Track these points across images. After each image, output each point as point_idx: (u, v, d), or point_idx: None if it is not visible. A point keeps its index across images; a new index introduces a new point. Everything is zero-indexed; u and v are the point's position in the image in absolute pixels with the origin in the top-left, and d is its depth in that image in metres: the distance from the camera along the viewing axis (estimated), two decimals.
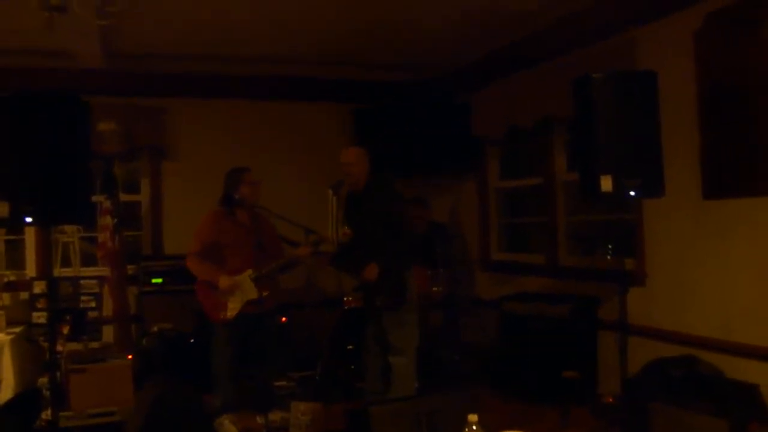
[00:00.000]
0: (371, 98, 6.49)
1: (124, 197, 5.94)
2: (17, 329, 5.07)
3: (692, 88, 4.23)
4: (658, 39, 4.48)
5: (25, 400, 4.75)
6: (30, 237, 5.75)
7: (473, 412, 2.71)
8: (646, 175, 3.75)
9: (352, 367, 5.37)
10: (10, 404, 4.72)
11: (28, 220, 3.66)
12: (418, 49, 5.81)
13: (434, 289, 5.75)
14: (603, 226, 5.26)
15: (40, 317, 5.13)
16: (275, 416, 4.52)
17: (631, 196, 3.72)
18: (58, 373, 4.68)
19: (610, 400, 4.47)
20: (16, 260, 5.87)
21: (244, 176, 4.60)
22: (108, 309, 5.53)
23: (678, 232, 4.42)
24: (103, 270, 5.59)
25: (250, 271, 4.52)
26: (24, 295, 5.51)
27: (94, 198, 5.57)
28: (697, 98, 4.21)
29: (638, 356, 4.29)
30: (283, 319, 5.83)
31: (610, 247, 4.92)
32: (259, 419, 4.51)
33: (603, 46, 4.88)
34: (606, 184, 3.70)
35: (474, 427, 2.33)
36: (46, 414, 4.31)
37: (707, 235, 4.21)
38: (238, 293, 4.50)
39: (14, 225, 4.18)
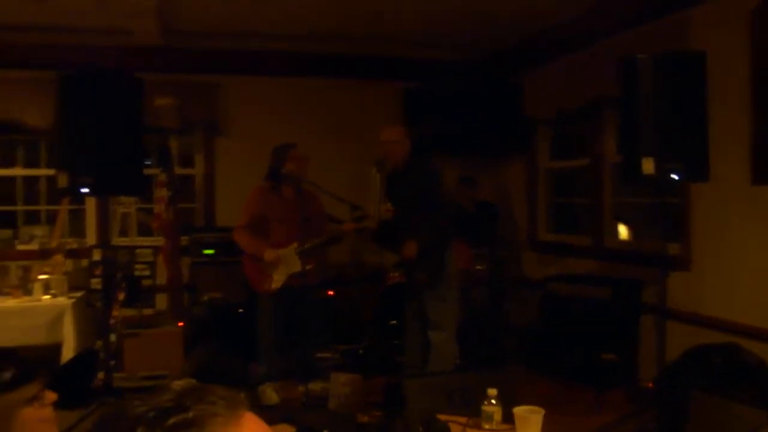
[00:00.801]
0: (421, 77, 6.49)
1: (179, 171, 6.12)
2: (78, 294, 5.32)
3: (746, 70, 4.11)
4: (714, 18, 4.36)
5: (84, 360, 5.00)
6: (90, 207, 6.02)
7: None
8: (690, 159, 3.70)
9: (395, 341, 5.46)
10: (70, 364, 4.97)
11: (85, 190, 3.88)
12: (469, 28, 5.78)
13: (478, 267, 5.78)
14: (651, 209, 5.18)
15: (98, 283, 5.36)
16: (316, 386, 4.66)
17: (673, 179, 3.67)
18: (114, 337, 4.94)
19: (650, 384, 4.44)
20: (78, 229, 6.17)
21: (290, 152, 4.70)
22: (162, 278, 5.73)
23: (725, 218, 4.33)
24: (158, 240, 5.80)
25: (295, 245, 4.64)
26: (84, 262, 5.78)
27: (151, 171, 5.82)
28: (750, 80, 4.10)
29: (681, 342, 4.23)
30: (330, 292, 5.97)
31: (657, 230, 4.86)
32: (300, 388, 4.66)
33: (657, 26, 4.77)
34: (648, 166, 3.67)
35: (493, 401, 2.40)
36: (102, 374, 4.54)
37: (755, 221, 4.12)
38: (282, 266, 4.63)
39: (72, 194, 4.39)
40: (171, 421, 0.79)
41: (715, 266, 4.42)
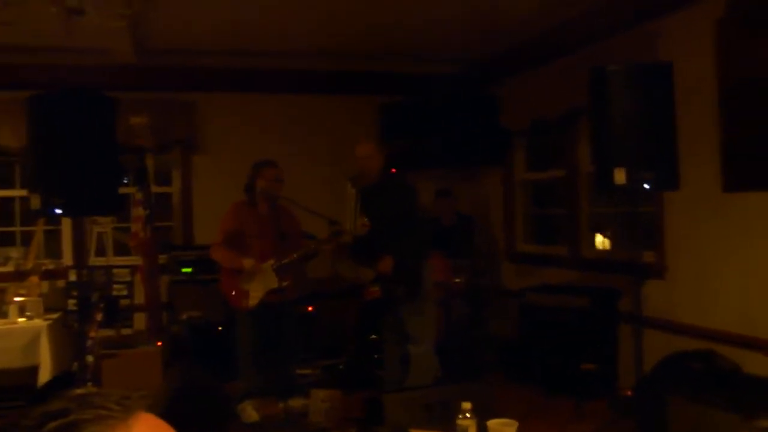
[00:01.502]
0: (398, 91, 6.53)
1: (155, 189, 6.09)
2: (54, 315, 5.26)
3: (713, 79, 4.18)
4: (680, 29, 4.43)
5: (62, 382, 4.94)
6: (66, 228, 5.98)
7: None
8: (661, 168, 3.75)
9: (375, 356, 5.45)
10: (47, 386, 4.91)
11: (58, 211, 3.85)
12: (446, 41, 5.83)
13: (456, 279, 5.80)
14: (626, 219, 5.23)
15: (75, 304, 5.32)
16: (296, 403, 4.64)
17: (645, 188, 3.72)
18: (91, 358, 4.89)
19: (629, 393, 4.46)
20: (53, 250, 6.11)
21: (262, 171, 4.71)
22: (140, 297, 5.70)
23: (698, 225, 4.38)
24: (135, 259, 5.76)
25: (271, 261, 4.64)
26: (61, 283, 5.73)
27: (127, 190, 5.79)
28: (718, 89, 4.16)
29: (658, 350, 4.28)
30: (310, 308, 5.95)
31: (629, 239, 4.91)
32: (281, 405, 4.64)
33: (626, 38, 4.85)
34: (620, 176, 3.71)
35: (467, 414, 2.40)
36: None
37: (727, 228, 4.17)
38: (259, 282, 4.62)
39: (45, 216, 4.37)
40: (49, 426, 0.79)
41: (690, 273, 4.47)
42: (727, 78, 4.10)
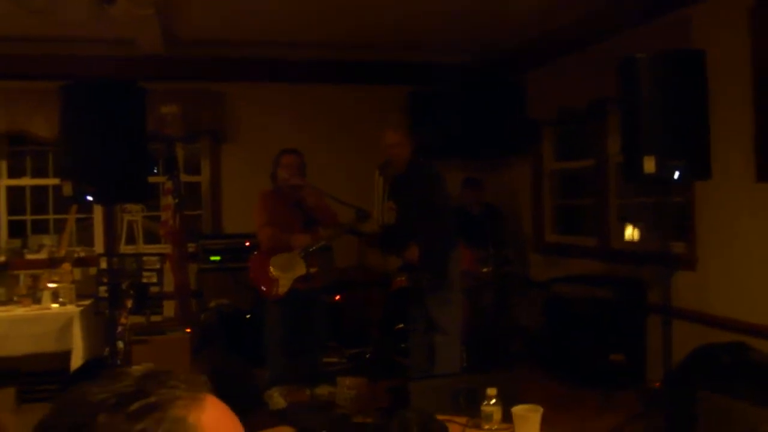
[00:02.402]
0: (425, 80, 6.51)
1: (185, 178, 6.15)
2: (86, 302, 5.36)
3: (747, 67, 4.10)
4: (713, 16, 4.35)
5: (93, 367, 5.03)
6: (98, 216, 6.08)
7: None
8: (692, 157, 3.68)
9: (402, 345, 5.47)
10: (79, 371, 5.00)
11: (89, 198, 3.91)
12: (472, 30, 5.79)
13: (483, 269, 5.78)
14: (656, 209, 5.16)
15: (106, 291, 5.40)
16: (322, 390, 4.67)
17: (676, 178, 3.66)
18: (122, 344, 4.97)
19: (657, 385, 4.42)
20: (85, 237, 6.22)
21: (281, 158, 4.74)
22: (169, 285, 5.76)
23: (730, 216, 4.31)
24: (165, 247, 5.84)
25: (299, 248, 4.66)
26: (92, 270, 5.83)
27: (157, 179, 5.86)
28: (752, 77, 4.09)
29: (687, 342, 4.22)
30: (338, 297, 5.99)
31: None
32: (307, 392, 4.68)
33: (658, 25, 4.76)
34: (649, 165, 3.65)
35: (492, 401, 2.40)
36: None
37: (760, 218, 4.09)
38: (288, 270, 4.66)
39: (77, 203, 4.43)
40: (133, 406, 0.79)
41: (721, 265, 4.40)
42: (761, 66, 4.02)
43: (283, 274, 4.69)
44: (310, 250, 4.67)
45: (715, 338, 4.21)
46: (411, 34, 5.90)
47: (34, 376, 5.20)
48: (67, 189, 3.85)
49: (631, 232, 5.59)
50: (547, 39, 5.82)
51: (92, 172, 3.75)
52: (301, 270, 4.65)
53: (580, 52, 5.62)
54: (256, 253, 4.92)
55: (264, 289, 4.76)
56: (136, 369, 0.84)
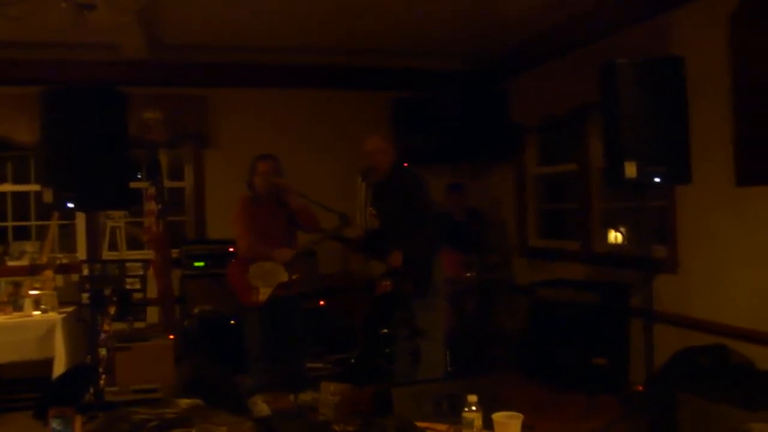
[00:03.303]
0: (408, 87, 6.53)
1: (168, 183, 6.14)
2: (69, 309, 5.32)
3: (727, 73, 4.14)
4: (692, 22, 4.39)
5: (76, 375, 4.99)
6: (80, 222, 6.04)
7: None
8: (673, 162, 3.73)
9: (386, 350, 5.47)
10: (62, 379, 4.96)
11: (70, 205, 3.90)
12: (456, 38, 5.82)
13: (467, 274, 5.79)
14: (638, 213, 5.20)
15: (88, 298, 5.36)
16: (306, 396, 4.64)
17: (656, 182, 3.70)
18: (105, 351, 4.94)
19: (640, 388, 4.44)
20: (68, 244, 6.17)
21: (257, 166, 4.68)
22: (152, 291, 5.74)
23: (710, 220, 4.35)
24: (148, 253, 5.81)
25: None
26: (75, 277, 5.78)
27: (140, 184, 5.84)
28: (731, 83, 4.12)
29: (669, 345, 4.26)
30: (321, 302, 5.98)
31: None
32: (291, 399, 4.66)
33: (637, 31, 4.81)
34: (630, 170, 3.70)
35: (473, 407, 2.40)
36: (93, 389, 4.54)
37: (740, 222, 4.13)
38: (269, 277, 4.63)
39: (58, 209, 4.42)
40: None
41: (702, 268, 4.44)
42: (740, 71, 4.06)
43: (264, 282, 4.66)
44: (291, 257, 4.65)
45: (696, 341, 4.24)
46: (394, 41, 5.91)
47: (15, 384, 5.15)
48: (48, 196, 3.84)
49: (614, 236, 5.63)
50: (529, 45, 5.86)
51: (73, 178, 3.74)
52: (282, 277, 4.63)
53: (563, 58, 5.66)
54: (234, 260, 4.88)
55: (244, 296, 4.73)
56: (186, 401, 0.86)
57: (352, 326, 6.02)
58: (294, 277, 4.63)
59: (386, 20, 5.33)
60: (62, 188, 3.75)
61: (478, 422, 2.40)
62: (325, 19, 5.30)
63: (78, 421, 1.62)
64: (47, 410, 2.63)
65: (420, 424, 2.39)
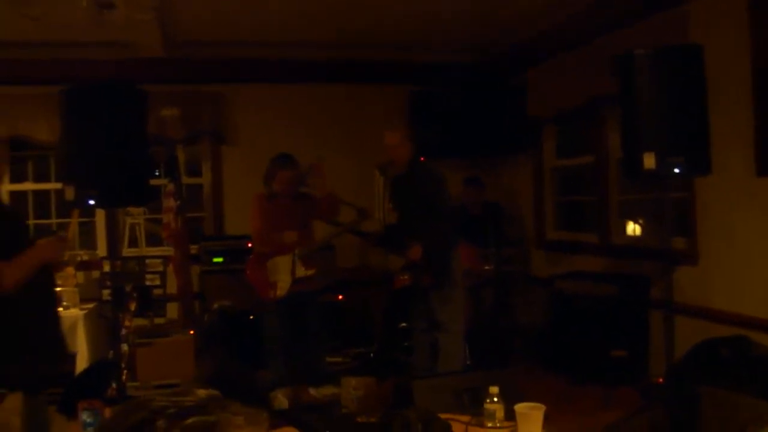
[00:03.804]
0: (424, 80, 6.53)
1: (186, 180, 6.18)
2: (90, 305, 5.37)
3: (746, 62, 4.10)
4: (712, 11, 4.35)
5: (98, 371, 5.05)
6: (100, 219, 6.09)
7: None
8: (692, 152, 3.70)
9: (405, 344, 5.48)
10: (84, 374, 5.02)
11: (91, 202, 3.93)
12: (471, 30, 5.80)
13: (485, 267, 5.79)
14: (657, 205, 5.17)
15: (109, 294, 5.42)
16: (327, 390, 4.68)
17: (675, 173, 3.67)
18: (126, 347, 4.99)
19: (660, 380, 4.42)
20: (88, 241, 6.23)
21: (277, 174, 4.71)
22: (172, 287, 5.78)
23: (731, 210, 4.31)
24: (167, 250, 5.86)
25: (296, 250, 4.67)
26: (96, 274, 5.84)
27: (159, 181, 5.88)
28: (751, 71, 4.08)
29: (690, 337, 4.22)
30: (340, 297, 6.00)
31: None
32: (312, 393, 4.69)
33: (656, 21, 4.76)
34: (649, 161, 3.67)
35: (495, 399, 2.41)
36: (115, 384, 4.58)
37: (761, 212, 4.09)
38: (286, 272, 4.66)
39: (79, 207, 4.44)
40: (191, 420, 0.84)
41: (723, 259, 4.40)
42: (760, 59, 4.02)
43: (281, 277, 4.70)
44: (307, 251, 4.68)
45: (716, 333, 4.20)
46: (411, 34, 5.90)
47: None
48: (70, 193, 3.88)
49: (632, 228, 5.60)
50: (546, 37, 5.82)
51: (94, 175, 3.77)
52: (299, 272, 4.67)
53: (579, 49, 5.62)
54: (252, 256, 4.92)
55: (262, 291, 4.76)
56: (203, 391, 0.88)
57: (371, 320, 6.04)
58: (310, 272, 4.66)
59: (402, 13, 5.32)
60: (84, 186, 3.78)
61: (500, 413, 2.41)
62: (340, 14, 5.30)
63: (107, 413, 1.65)
64: (72, 404, 2.67)
65: (442, 416, 2.39)
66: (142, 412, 0.84)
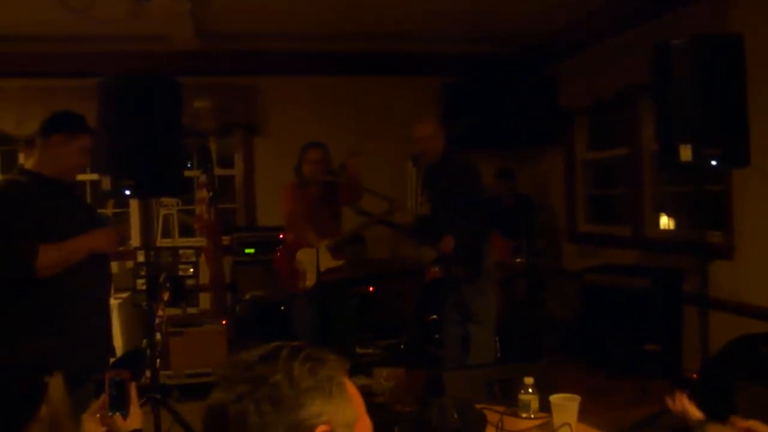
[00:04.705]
0: (456, 71, 6.50)
1: (218, 172, 6.24)
2: (124, 295, 5.46)
3: None
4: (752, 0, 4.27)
5: (132, 359, 5.12)
6: (134, 210, 6.18)
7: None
8: (730, 144, 3.62)
9: (436, 336, 5.48)
10: (118, 363, 5.10)
11: (127, 192, 3.98)
12: (503, 20, 5.76)
13: (517, 260, 5.77)
14: (692, 198, 5.09)
15: (143, 284, 5.49)
16: (358, 381, 4.68)
17: (712, 165, 3.61)
18: (160, 336, 5.06)
19: (694, 376, 4.37)
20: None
21: (307, 154, 4.72)
22: (205, 277, 5.85)
23: None
24: (200, 240, 5.92)
25: (326, 241, 4.69)
26: (130, 264, 5.92)
27: (191, 173, 5.94)
28: None
29: (725, 332, 4.17)
30: (371, 288, 6.02)
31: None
32: None
33: (695, 10, 4.68)
34: (685, 153, 3.60)
35: (530, 390, 2.41)
36: (149, 372, 4.65)
37: None
38: (315, 263, 4.68)
39: (115, 197, 4.53)
40: (304, 353, 1.01)
41: (760, 254, 4.33)
42: None
43: (310, 267, 4.72)
44: (336, 242, 4.69)
45: (752, 328, 4.15)
46: (442, 25, 5.87)
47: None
48: (106, 184, 3.93)
49: (666, 221, 5.53)
50: (579, 26, 5.76)
51: (130, 166, 3.81)
52: (328, 263, 4.68)
53: (613, 39, 5.55)
54: (281, 246, 4.94)
55: (290, 282, 4.79)
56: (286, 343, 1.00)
57: (402, 312, 6.05)
58: (340, 262, 4.67)
59: (434, 4, 5.30)
60: (120, 176, 3.82)
61: (535, 404, 2.41)
62: (373, 5, 5.30)
63: (133, 387, 1.66)
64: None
65: (476, 406, 2.40)
66: (266, 347, 1.02)
